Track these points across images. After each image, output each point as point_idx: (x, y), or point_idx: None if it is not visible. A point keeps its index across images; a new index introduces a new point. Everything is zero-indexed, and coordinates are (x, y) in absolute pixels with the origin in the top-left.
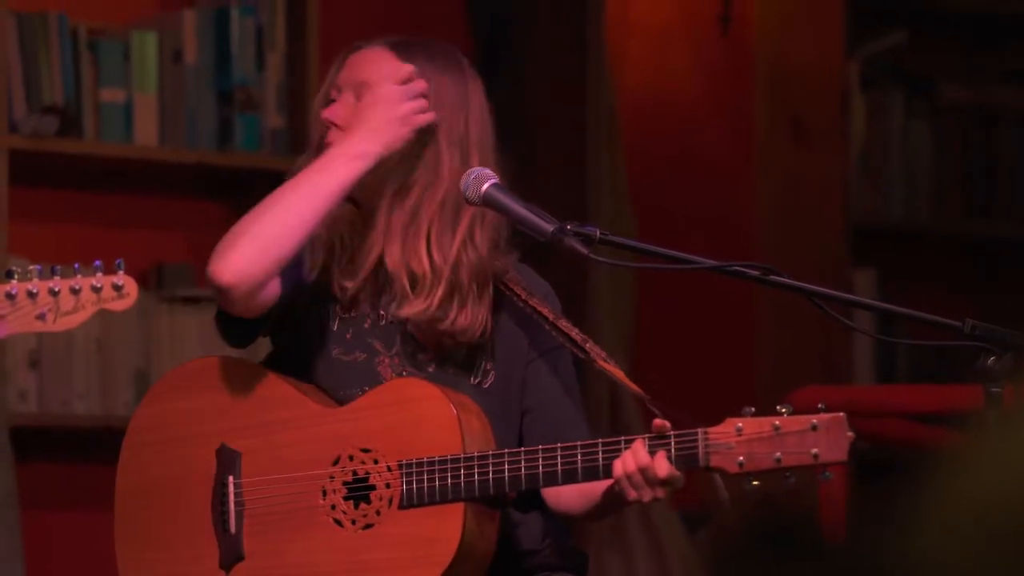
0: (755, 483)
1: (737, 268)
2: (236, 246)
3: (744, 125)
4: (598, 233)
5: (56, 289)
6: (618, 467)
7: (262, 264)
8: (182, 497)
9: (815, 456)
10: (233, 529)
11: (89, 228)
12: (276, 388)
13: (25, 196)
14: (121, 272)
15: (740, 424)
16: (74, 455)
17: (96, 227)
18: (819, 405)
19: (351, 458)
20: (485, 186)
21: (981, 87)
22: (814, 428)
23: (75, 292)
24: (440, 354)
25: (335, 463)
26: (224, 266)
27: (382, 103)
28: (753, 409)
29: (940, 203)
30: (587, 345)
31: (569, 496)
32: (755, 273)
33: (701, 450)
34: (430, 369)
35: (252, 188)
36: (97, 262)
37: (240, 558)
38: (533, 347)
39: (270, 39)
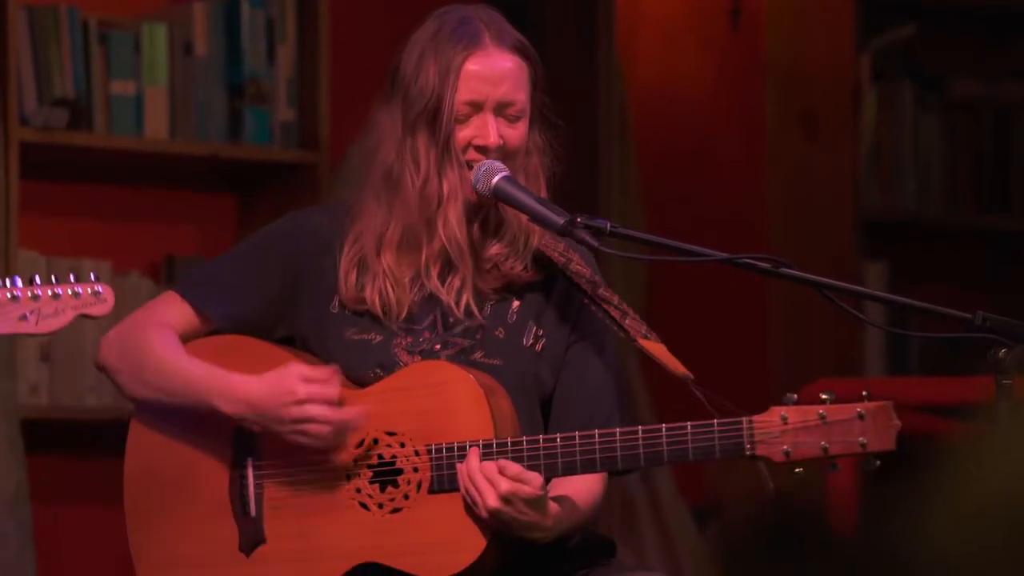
0: (799, 471)
1: (748, 260)
2: (123, 354)
3: (754, 119)
4: (608, 226)
5: (37, 293)
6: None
7: (118, 379)
8: (196, 480)
9: (863, 445)
10: (253, 512)
11: (99, 221)
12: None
13: (36, 189)
14: (98, 282)
15: (785, 413)
16: (85, 448)
17: (106, 220)
18: (863, 393)
19: (376, 441)
20: (496, 179)
21: (992, 81)
22: (861, 417)
23: (55, 297)
24: (493, 318)
25: (358, 446)
26: (104, 353)
27: (289, 413)
28: (796, 396)
29: (951, 197)
30: (626, 322)
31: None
32: (766, 265)
33: (746, 439)
34: (478, 336)
35: (262, 181)
36: (71, 276)
37: (261, 541)
38: (577, 327)
39: (280, 32)
